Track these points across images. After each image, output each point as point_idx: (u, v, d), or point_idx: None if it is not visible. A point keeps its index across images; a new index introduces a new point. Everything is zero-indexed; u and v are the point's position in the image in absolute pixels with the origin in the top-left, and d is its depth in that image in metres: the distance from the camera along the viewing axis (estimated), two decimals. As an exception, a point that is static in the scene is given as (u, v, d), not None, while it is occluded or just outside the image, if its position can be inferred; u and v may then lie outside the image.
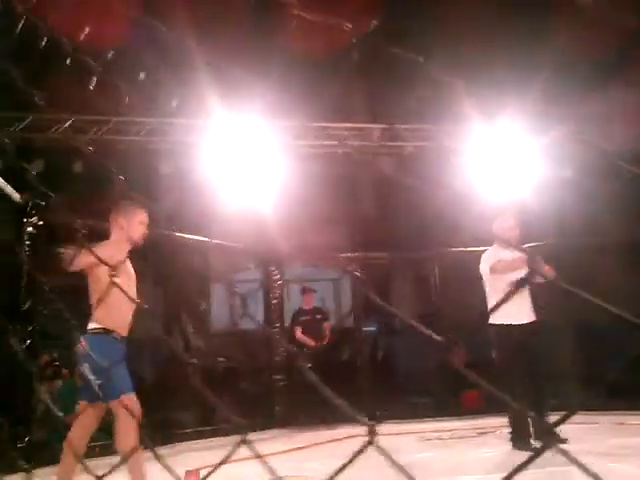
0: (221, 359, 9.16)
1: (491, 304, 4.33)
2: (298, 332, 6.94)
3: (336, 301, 10.24)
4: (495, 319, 4.12)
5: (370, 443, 0.61)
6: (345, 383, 6.70)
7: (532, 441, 4.13)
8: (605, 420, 5.22)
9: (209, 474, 0.94)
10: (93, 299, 3.02)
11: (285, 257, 6.54)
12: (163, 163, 6.39)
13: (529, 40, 5.63)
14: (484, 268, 4.47)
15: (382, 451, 0.64)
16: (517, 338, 4.28)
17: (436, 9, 5.97)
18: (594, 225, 6.18)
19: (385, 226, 7.72)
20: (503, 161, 6.30)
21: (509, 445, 4.28)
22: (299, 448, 5.11)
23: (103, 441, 4.31)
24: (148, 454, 2.40)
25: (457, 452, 4.53)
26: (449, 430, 5.55)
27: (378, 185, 7.38)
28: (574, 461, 0.56)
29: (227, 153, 6.00)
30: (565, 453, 0.56)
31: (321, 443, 5.35)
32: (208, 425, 6.38)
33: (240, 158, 5.95)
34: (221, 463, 0.85)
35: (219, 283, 9.34)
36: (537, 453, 0.57)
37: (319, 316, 7.16)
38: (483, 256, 4.57)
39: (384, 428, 0.77)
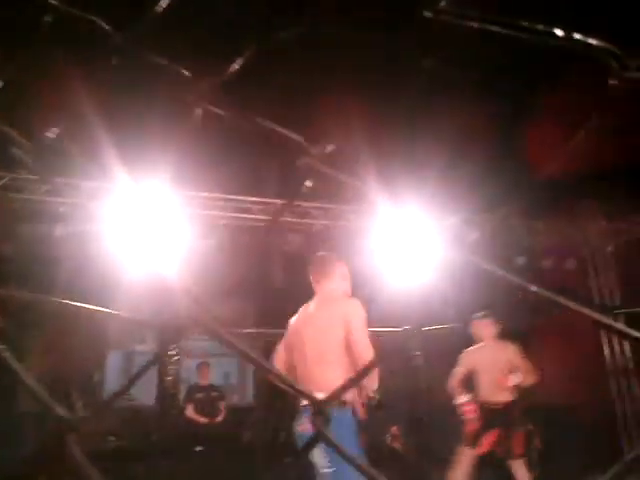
0: (111, 438, 8.53)
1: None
2: (189, 409, 6.56)
3: (241, 377, 9.89)
4: None
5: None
6: (246, 464, 6.35)
7: None
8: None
9: None
10: None
11: (184, 329, 6.27)
12: (60, 226, 6.08)
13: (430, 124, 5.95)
14: None
15: None
16: None
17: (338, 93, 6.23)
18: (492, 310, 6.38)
19: (291, 301, 7.64)
20: (406, 244, 6.47)
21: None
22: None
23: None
24: None
25: None
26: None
27: (285, 260, 7.35)
28: None
29: (130, 220, 5.81)
30: None
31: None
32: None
33: (143, 225, 5.77)
34: None
35: (114, 354, 8.81)
36: None
37: (214, 393, 6.82)
38: None
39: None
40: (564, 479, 6.89)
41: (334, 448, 0.50)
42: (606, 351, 7.53)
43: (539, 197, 7.09)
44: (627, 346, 7.38)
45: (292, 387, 0.53)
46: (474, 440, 4.47)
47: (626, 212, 7.58)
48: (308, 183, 0.64)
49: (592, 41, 0.45)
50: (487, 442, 4.47)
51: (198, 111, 0.69)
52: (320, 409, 0.51)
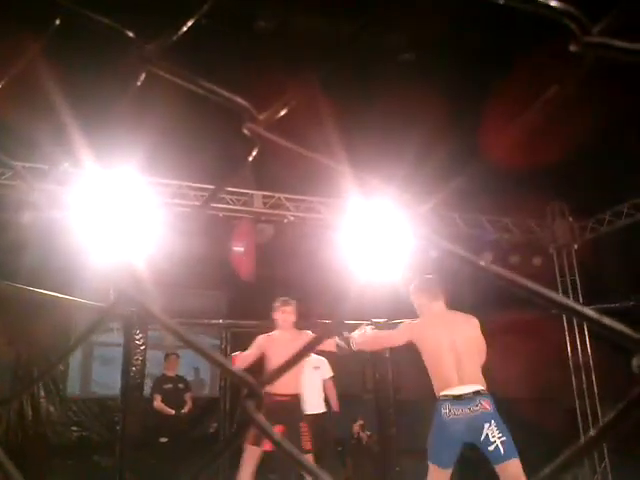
0: (74, 428, 8.41)
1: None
2: (157, 400, 6.48)
3: (212, 369, 9.84)
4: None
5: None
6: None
7: None
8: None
9: None
10: None
11: (151, 320, 6.20)
12: (25, 212, 5.94)
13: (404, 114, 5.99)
14: None
15: None
16: None
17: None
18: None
19: (261, 292, 7.63)
20: (376, 237, 6.49)
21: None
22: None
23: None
24: None
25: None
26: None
27: (259, 251, 7.32)
28: None
29: (98, 206, 5.70)
30: None
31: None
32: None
33: (112, 213, 5.67)
34: None
35: (79, 344, 8.65)
36: None
37: (181, 385, 6.75)
38: None
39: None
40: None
41: (266, 434, 0.50)
42: (568, 346, 7.69)
43: (508, 193, 7.20)
44: (588, 341, 7.55)
45: (235, 375, 0.53)
46: (258, 437, 3.90)
47: (592, 210, 7.75)
48: (253, 153, 0.61)
49: (553, 3, 0.42)
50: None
51: (141, 75, 0.66)
52: (253, 392, 0.51)
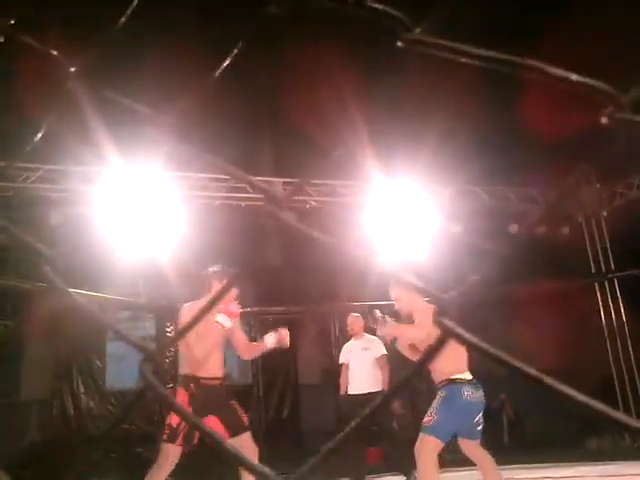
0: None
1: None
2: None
3: (239, 359, 9.93)
4: None
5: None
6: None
7: None
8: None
9: None
10: None
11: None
12: (54, 212, 6.05)
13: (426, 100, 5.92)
14: None
15: None
16: None
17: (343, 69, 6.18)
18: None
19: (287, 280, 7.67)
20: (401, 217, 6.48)
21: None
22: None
23: None
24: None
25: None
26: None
27: (281, 238, 7.35)
28: None
29: (124, 203, 5.78)
30: None
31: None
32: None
33: (137, 208, 5.74)
34: None
35: (114, 339, 8.83)
36: None
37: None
38: None
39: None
40: (558, 444, 7.01)
41: (163, 400, 0.51)
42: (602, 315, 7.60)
43: (531, 164, 7.09)
44: (622, 308, 7.45)
45: (131, 341, 0.55)
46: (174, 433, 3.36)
47: (620, 176, 7.59)
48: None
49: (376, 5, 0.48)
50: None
51: (65, 91, 0.69)
52: (150, 356, 0.53)
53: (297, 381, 8.79)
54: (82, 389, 8.42)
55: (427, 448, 3.31)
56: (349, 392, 5.70)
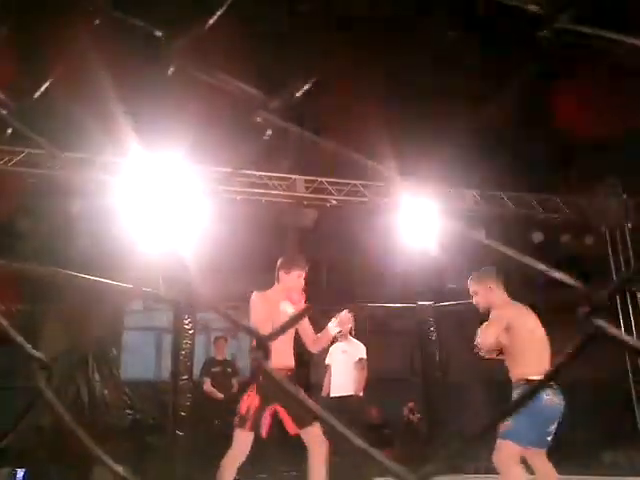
0: (128, 411, 8.65)
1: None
2: (207, 384, 6.57)
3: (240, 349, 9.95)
4: None
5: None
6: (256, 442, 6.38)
7: None
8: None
9: None
10: None
11: (200, 304, 6.32)
12: (74, 201, 6.09)
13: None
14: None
15: None
16: None
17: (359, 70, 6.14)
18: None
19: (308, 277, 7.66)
20: (418, 219, 6.41)
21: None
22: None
23: None
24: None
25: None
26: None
27: (304, 235, 7.34)
28: None
29: (145, 195, 5.80)
30: None
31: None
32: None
33: (159, 201, 5.75)
34: None
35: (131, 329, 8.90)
36: None
37: (229, 369, 6.78)
38: None
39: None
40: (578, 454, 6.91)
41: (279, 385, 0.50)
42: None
43: (557, 172, 6.99)
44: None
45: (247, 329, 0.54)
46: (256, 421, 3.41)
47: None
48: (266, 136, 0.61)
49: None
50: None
51: (170, 69, 0.67)
52: (262, 343, 0.52)
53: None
54: (97, 377, 8.49)
55: (504, 454, 3.09)
56: (330, 394, 5.77)
